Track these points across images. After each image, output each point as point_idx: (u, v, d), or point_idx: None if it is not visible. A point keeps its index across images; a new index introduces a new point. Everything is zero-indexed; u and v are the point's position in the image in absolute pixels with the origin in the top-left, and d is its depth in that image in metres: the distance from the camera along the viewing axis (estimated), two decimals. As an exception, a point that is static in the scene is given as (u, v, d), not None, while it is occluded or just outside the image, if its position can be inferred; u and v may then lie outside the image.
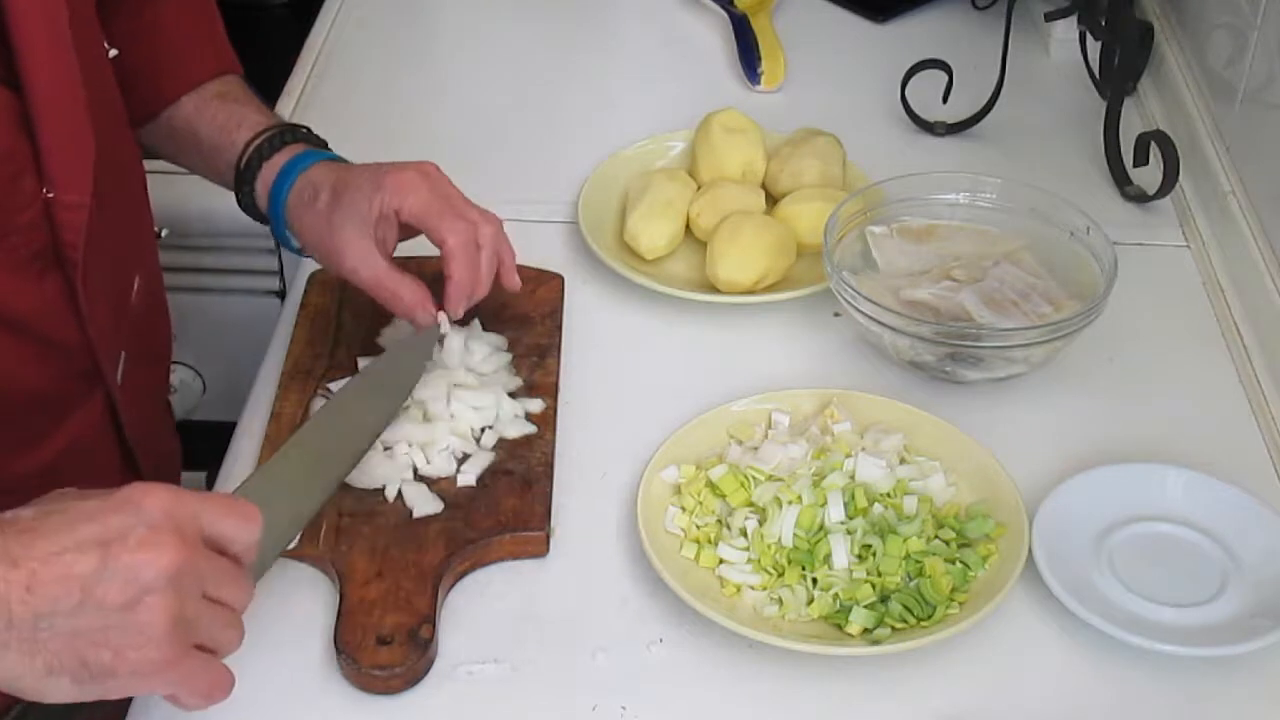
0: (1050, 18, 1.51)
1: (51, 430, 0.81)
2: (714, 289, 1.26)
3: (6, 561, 0.73)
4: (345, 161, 1.15)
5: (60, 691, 0.76)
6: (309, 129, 1.18)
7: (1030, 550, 1.02)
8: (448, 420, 1.12)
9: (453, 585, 1.04)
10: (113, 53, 1.01)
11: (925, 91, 1.49)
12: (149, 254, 1.15)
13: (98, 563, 0.74)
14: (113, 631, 0.74)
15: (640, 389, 1.20)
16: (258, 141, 1.14)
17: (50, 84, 0.91)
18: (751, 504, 1.06)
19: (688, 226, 1.32)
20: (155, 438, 1.14)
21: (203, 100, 1.17)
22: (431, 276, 1.23)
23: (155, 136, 1.19)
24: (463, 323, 1.20)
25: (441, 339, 1.12)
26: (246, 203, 1.16)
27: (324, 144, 1.18)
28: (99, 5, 1.03)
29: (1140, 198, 1.40)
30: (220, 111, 1.16)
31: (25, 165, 0.91)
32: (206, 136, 1.16)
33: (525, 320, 1.24)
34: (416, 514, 1.06)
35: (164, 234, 1.32)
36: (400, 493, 1.08)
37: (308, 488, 0.97)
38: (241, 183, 1.15)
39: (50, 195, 0.93)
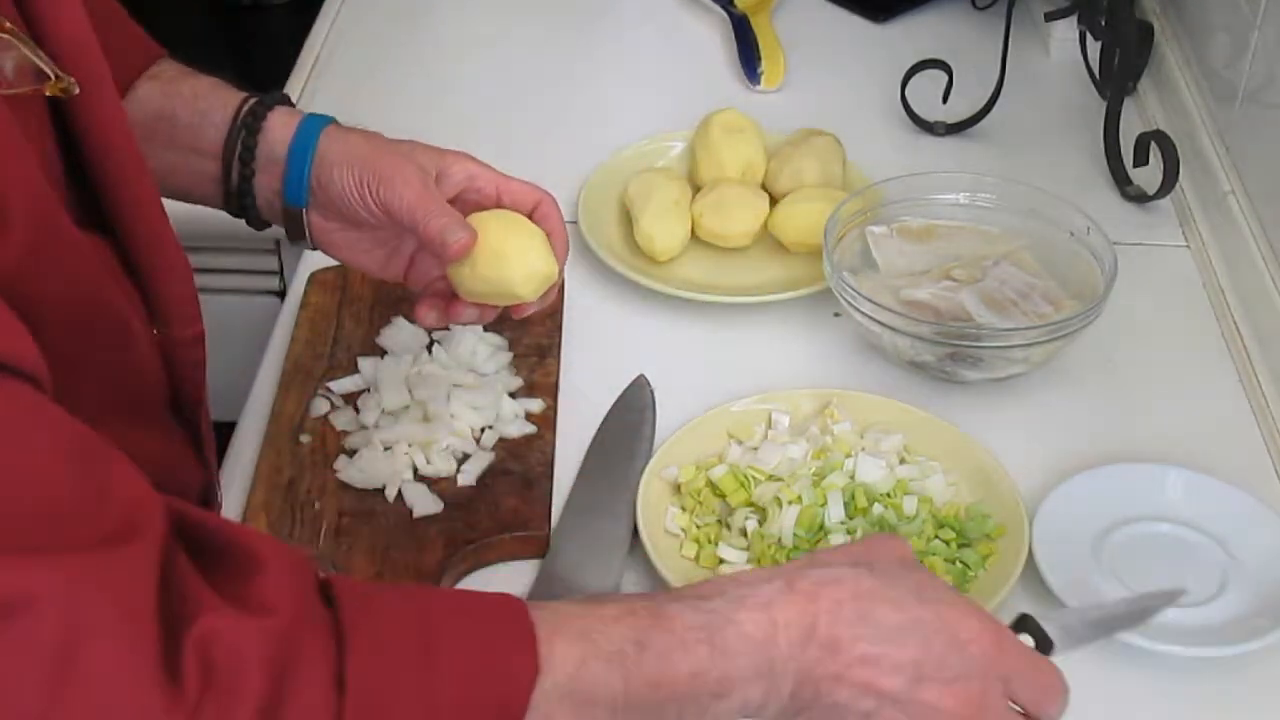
0: (1050, 18, 1.51)
1: None
2: (715, 290, 1.26)
3: (829, 646, 0.74)
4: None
5: None
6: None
7: (1030, 550, 1.02)
8: (448, 420, 1.12)
9: (453, 585, 1.03)
10: None
11: (925, 91, 1.49)
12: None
13: (902, 687, 0.75)
14: None
15: (640, 389, 1.20)
16: (253, 101, 1.02)
17: (142, 222, 0.85)
18: (751, 504, 1.06)
19: (687, 226, 1.32)
20: None
21: (165, 83, 1.03)
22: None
23: None
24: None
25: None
26: (246, 148, 1.01)
27: None
28: None
29: (1140, 198, 1.40)
30: (196, 84, 1.03)
31: (133, 309, 0.85)
32: (182, 113, 1.02)
33: (525, 320, 1.23)
34: (416, 514, 1.06)
35: None
36: (400, 493, 1.08)
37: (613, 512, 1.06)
38: (241, 133, 1.01)
39: (161, 334, 0.87)
